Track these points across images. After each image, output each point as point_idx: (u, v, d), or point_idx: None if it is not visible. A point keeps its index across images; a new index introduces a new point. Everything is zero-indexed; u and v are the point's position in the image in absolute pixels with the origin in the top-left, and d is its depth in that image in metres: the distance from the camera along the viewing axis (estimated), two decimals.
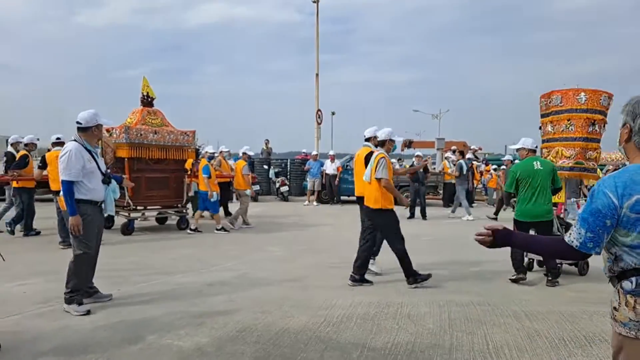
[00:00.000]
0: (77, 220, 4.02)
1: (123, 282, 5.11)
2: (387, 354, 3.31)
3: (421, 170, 12.36)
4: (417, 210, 11.99)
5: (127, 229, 8.47)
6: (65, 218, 4.20)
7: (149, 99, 9.08)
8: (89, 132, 4.23)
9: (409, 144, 23.17)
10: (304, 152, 19.38)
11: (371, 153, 5.51)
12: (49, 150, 8.16)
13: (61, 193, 4.12)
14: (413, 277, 5.17)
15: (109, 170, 4.54)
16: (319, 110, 19.81)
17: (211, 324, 3.85)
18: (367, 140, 5.93)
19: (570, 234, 1.69)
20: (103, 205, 4.33)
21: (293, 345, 3.45)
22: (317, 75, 19.94)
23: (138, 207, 8.83)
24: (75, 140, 4.20)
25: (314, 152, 15.80)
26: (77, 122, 4.20)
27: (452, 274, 5.86)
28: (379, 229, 5.37)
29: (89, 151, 4.21)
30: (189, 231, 8.88)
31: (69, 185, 4.03)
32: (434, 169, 17.46)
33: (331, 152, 15.47)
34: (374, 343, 3.51)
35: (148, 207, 9.14)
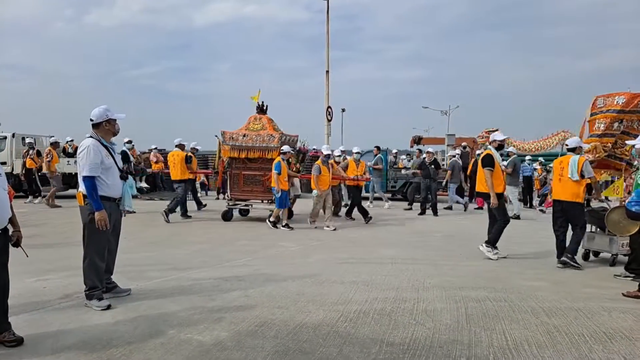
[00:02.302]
0: (103, 215, 4.04)
1: (140, 277, 5.16)
2: (406, 350, 3.32)
3: (432, 166, 12.33)
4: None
5: (227, 215, 10.03)
6: (82, 217, 4.20)
7: (262, 107, 10.21)
8: (100, 128, 4.24)
9: (418, 140, 22.95)
10: (314, 149, 19.37)
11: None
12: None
13: (80, 189, 4.15)
14: (567, 263, 5.99)
15: (126, 166, 4.56)
16: (329, 107, 19.76)
17: (229, 319, 3.88)
18: (490, 143, 7.00)
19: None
20: (121, 201, 4.35)
21: (312, 340, 3.47)
22: (327, 72, 19.88)
23: (236, 200, 10.13)
24: (91, 136, 4.21)
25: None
26: (90, 119, 4.25)
27: (466, 269, 5.86)
28: (572, 218, 6.08)
29: (106, 147, 4.22)
30: (280, 226, 9.19)
31: (91, 181, 4.04)
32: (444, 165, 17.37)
33: (341, 148, 15.43)
34: (392, 338, 3.52)
35: (243, 200, 10.21)
